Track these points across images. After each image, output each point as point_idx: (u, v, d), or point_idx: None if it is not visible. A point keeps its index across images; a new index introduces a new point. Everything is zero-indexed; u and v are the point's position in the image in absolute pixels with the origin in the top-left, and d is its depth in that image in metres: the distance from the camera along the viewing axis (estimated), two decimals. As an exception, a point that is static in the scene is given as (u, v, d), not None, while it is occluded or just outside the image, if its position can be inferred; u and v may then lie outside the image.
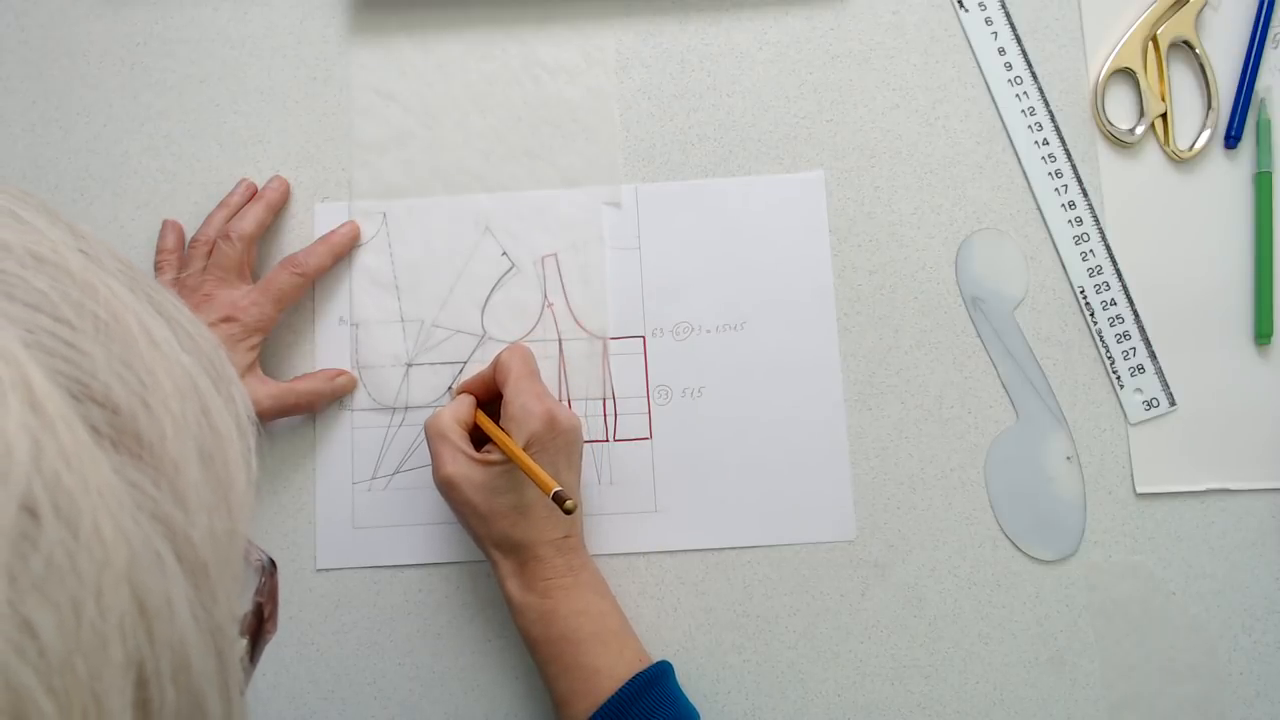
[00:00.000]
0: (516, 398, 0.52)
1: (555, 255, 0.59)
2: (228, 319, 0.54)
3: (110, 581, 0.19)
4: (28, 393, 0.19)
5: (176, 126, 0.61)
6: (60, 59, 0.62)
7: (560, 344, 0.58)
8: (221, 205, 0.58)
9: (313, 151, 0.60)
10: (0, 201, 0.24)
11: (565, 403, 0.58)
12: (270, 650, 0.57)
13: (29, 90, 0.61)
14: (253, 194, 0.59)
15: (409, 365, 0.58)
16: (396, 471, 0.57)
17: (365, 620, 0.57)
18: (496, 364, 0.54)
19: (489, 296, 0.59)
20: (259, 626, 0.29)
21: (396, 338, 0.59)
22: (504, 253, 0.59)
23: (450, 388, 0.58)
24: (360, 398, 0.58)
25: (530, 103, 0.61)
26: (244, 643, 0.27)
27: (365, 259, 0.59)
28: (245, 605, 0.28)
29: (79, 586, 0.18)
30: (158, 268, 0.57)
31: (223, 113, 0.61)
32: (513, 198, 0.60)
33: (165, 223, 0.59)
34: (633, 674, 0.50)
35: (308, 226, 0.60)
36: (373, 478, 0.57)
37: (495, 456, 0.51)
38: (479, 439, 0.53)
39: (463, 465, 0.51)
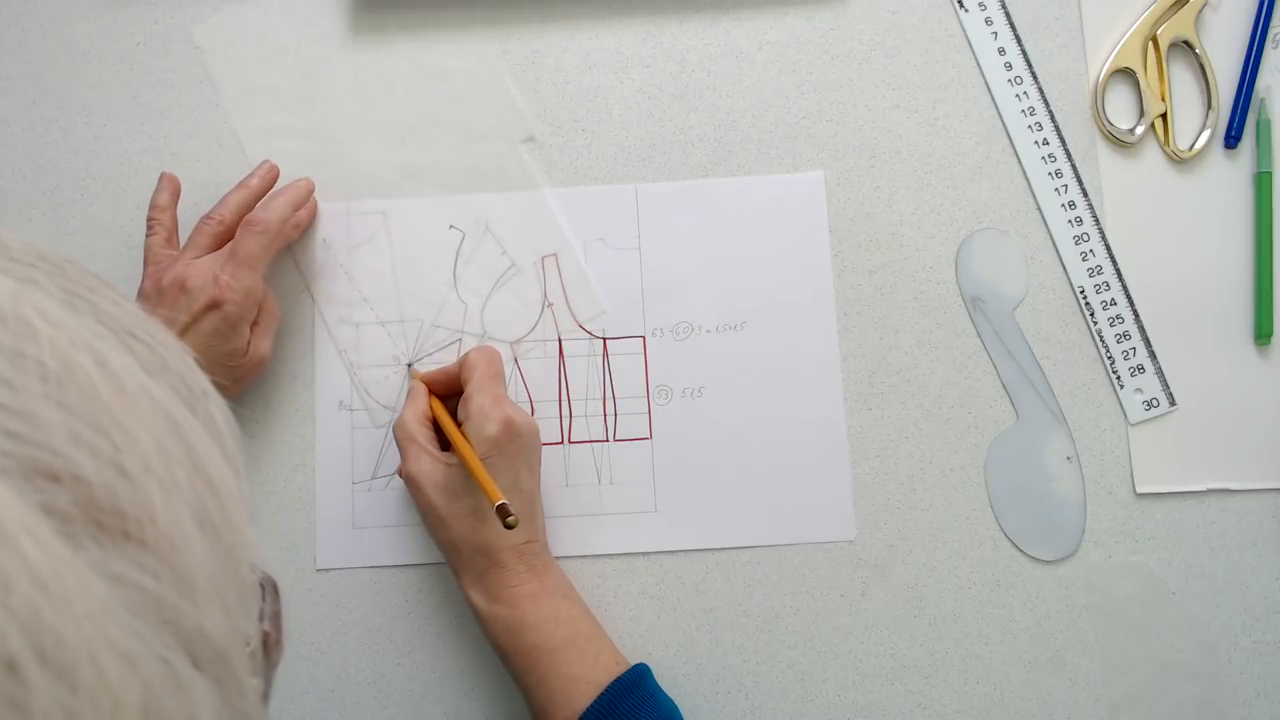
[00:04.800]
0: (475, 398, 0.51)
1: (555, 255, 0.59)
2: (214, 302, 0.51)
3: None
4: None
5: (176, 126, 0.61)
6: (60, 59, 0.62)
7: (560, 344, 0.58)
8: (240, 186, 0.57)
9: (313, 151, 0.60)
10: None
11: (565, 403, 0.58)
12: (270, 650, 0.57)
13: (29, 90, 0.61)
14: (273, 180, 0.58)
15: (409, 365, 0.58)
16: (396, 472, 0.57)
17: (365, 620, 0.57)
18: (463, 362, 0.54)
19: (489, 296, 0.59)
20: (267, 659, 0.25)
21: (397, 338, 0.59)
22: (504, 252, 0.59)
23: (409, 365, 0.58)
24: (360, 398, 0.58)
25: (529, 102, 0.61)
26: (257, 683, 0.23)
27: (365, 259, 0.59)
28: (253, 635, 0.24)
29: None
30: (149, 228, 0.55)
31: (223, 113, 0.61)
32: (513, 197, 0.60)
33: (162, 176, 0.57)
34: (611, 679, 0.50)
35: (308, 227, 0.60)
36: (373, 478, 0.57)
37: (456, 459, 0.51)
38: (446, 441, 0.53)
39: (426, 464, 0.51)
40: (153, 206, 0.56)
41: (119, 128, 0.61)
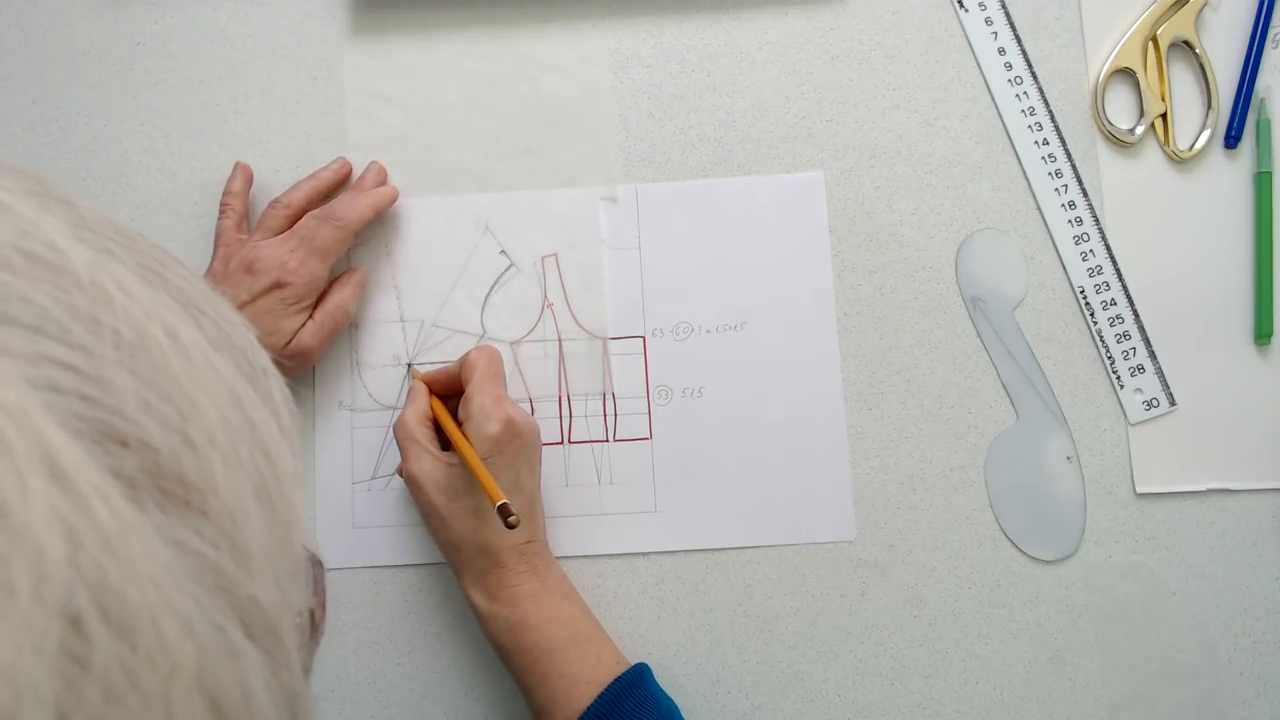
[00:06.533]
0: (476, 397, 0.51)
1: (555, 255, 0.59)
2: (278, 284, 0.53)
3: (180, 694, 0.16)
4: (49, 463, 0.15)
5: (176, 126, 0.61)
6: (60, 59, 0.62)
7: (560, 344, 0.58)
8: (312, 177, 0.58)
9: (312, 151, 0.60)
10: None
11: (565, 402, 0.58)
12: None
13: (29, 90, 0.61)
14: (346, 175, 0.59)
15: (409, 365, 0.58)
16: (396, 471, 0.57)
17: (365, 620, 0.57)
18: (464, 362, 0.54)
19: (488, 296, 0.59)
20: (311, 638, 0.24)
21: (396, 338, 0.59)
22: (503, 252, 0.59)
23: (409, 365, 0.58)
24: (360, 398, 0.58)
25: (528, 102, 0.61)
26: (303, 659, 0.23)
27: (364, 259, 0.59)
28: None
29: (144, 710, 0.15)
30: (222, 211, 0.57)
31: (223, 113, 0.61)
32: (511, 197, 0.60)
33: (237, 165, 0.59)
34: (611, 678, 0.50)
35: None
36: (372, 478, 0.57)
37: (457, 459, 0.51)
38: (446, 441, 0.53)
39: (427, 463, 0.51)
40: (226, 192, 0.58)
41: (119, 128, 0.61)
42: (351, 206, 0.55)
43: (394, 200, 0.59)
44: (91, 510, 0.15)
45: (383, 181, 0.59)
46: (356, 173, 0.60)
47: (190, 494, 0.18)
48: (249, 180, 0.59)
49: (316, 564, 0.26)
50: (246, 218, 0.58)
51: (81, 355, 0.17)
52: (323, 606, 0.26)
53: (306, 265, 0.54)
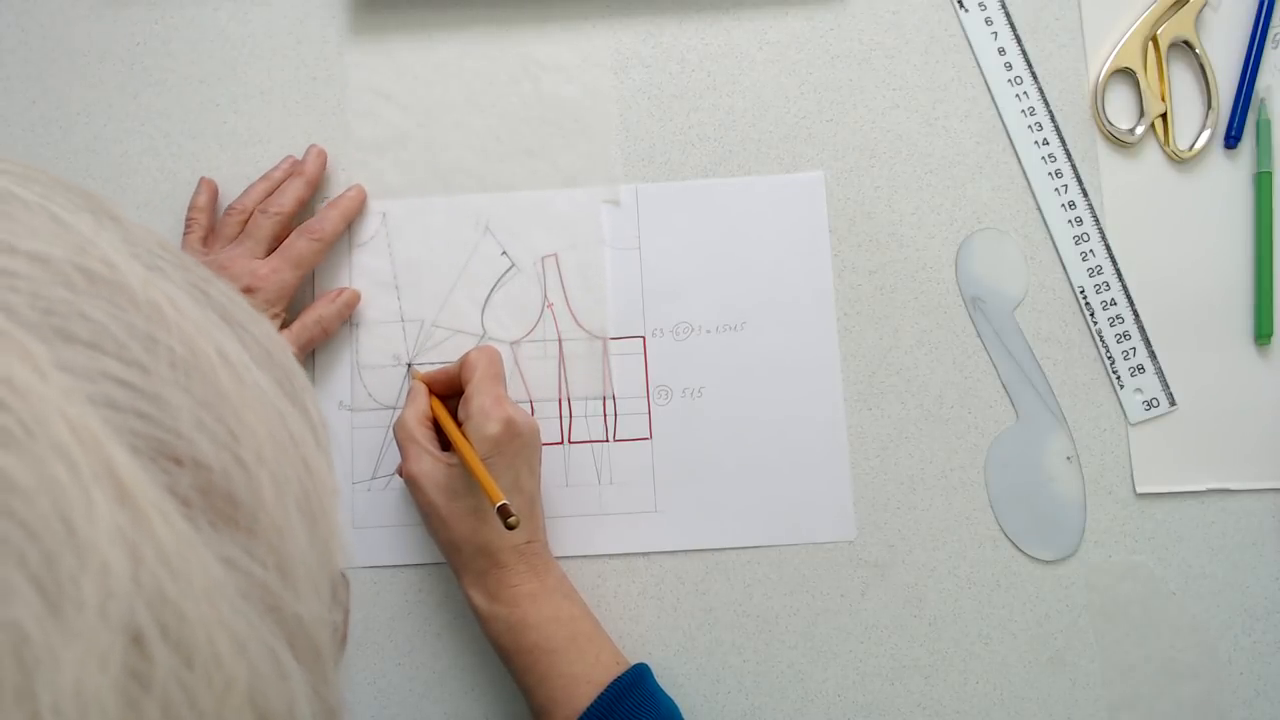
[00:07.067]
0: (475, 397, 0.51)
1: (555, 255, 0.59)
2: (248, 290, 0.54)
3: (233, 712, 0.16)
4: (112, 481, 0.15)
5: (176, 126, 0.61)
6: (60, 59, 0.62)
7: (560, 344, 0.58)
8: (263, 178, 0.58)
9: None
10: (31, 194, 0.19)
11: (565, 403, 0.58)
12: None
13: (29, 90, 0.61)
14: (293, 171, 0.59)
15: (409, 365, 0.58)
16: (396, 471, 0.57)
17: (365, 620, 0.57)
18: (464, 362, 0.54)
19: (489, 296, 0.59)
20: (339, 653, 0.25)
21: (396, 338, 0.59)
22: (503, 252, 0.59)
23: (409, 365, 0.58)
24: (360, 398, 0.58)
25: (529, 102, 0.61)
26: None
27: (365, 259, 0.59)
28: None
29: None
30: (187, 227, 0.57)
31: (223, 113, 0.61)
32: (512, 197, 0.60)
33: (201, 180, 0.59)
34: (611, 678, 0.50)
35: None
36: (372, 478, 0.57)
37: (457, 459, 0.51)
38: (446, 441, 0.53)
39: (426, 463, 0.51)
40: (191, 207, 0.58)
41: (119, 128, 0.61)
42: (325, 220, 0.57)
43: (362, 203, 0.59)
44: (152, 527, 0.16)
45: (322, 165, 0.59)
46: (342, 174, 0.60)
47: (240, 513, 0.18)
48: (214, 195, 0.59)
49: (344, 580, 0.26)
50: (212, 232, 0.58)
51: (138, 373, 0.17)
52: (347, 623, 0.26)
53: (279, 273, 0.55)
